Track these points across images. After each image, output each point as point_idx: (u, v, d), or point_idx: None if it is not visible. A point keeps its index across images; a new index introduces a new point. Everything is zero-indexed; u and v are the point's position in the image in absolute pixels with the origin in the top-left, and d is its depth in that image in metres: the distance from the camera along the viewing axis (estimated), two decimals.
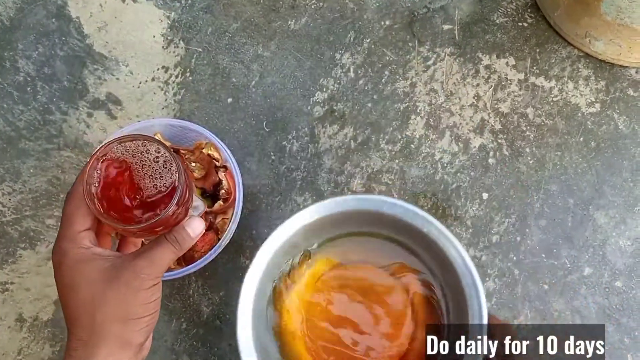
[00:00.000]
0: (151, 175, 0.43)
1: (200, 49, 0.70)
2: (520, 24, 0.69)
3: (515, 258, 0.64)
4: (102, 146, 0.42)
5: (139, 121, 0.65)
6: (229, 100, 0.68)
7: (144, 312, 0.42)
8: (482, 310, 0.46)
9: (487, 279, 0.63)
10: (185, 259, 0.60)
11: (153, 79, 0.69)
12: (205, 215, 0.60)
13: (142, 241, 0.54)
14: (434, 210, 0.65)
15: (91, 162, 0.41)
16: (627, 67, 0.67)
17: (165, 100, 0.68)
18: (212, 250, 0.58)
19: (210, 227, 0.60)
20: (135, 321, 0.41)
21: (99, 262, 0.42)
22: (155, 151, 0.43)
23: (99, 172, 0.42)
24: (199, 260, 0.57)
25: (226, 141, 0.67)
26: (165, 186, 0.42)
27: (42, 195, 0.67)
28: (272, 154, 0.67)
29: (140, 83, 0.69)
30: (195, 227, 0.44)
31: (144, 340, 0.43)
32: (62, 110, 0.68)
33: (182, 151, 0.62)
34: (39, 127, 0.68)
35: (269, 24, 0.70)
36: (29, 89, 0.69)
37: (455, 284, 0.48)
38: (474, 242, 0.64)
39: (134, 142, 0.43)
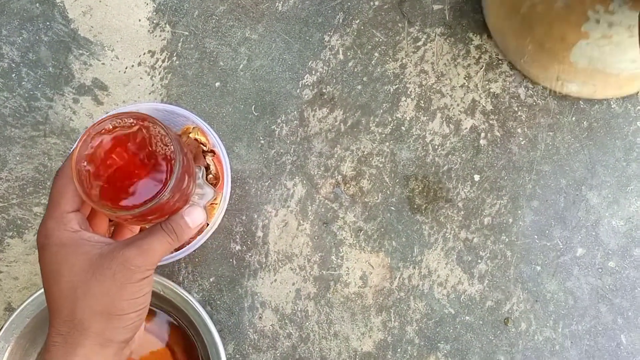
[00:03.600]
0: (148, 158, 0.39)
1: (186, 33, 0.68)
2: None
3: (507, 239, 0.63)
4: (96, 122, 0.38)
5: (125, 106, 0.64)
6: (217, 84, 0.67)
7: (130, 308, 0.38)
8: None
9: (479, 261, 0.63)
10: None
11: (139, 64, 0.68)
12: None
13: (141, 228, 0.51)
14: (425, 193, 0.64)
15: (84, 137, 0.38)
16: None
17: (152, 85, 0.67)
18: (201, 235, 0.57)
19: None
20: (119, 317, 0.38)
21: (86, 248, 0.38)
22: (154, 132, 0.39)
23: (91, 149, 0.38)
24: (187, 246, 0.57)
25: (214, 126, 0.66)
26: (161, 170, 0.38)
27: (28, 183, 0.66)
28: (261, 138, 0.66)
29: (126, 68, 0.68)
30: (195, 217, 0.41)
31: (130, 337, 0.39)
32: (47, 96, 0.67)
33: None
34: (25, 114, 0.67)
35: (256, 6, 0.69)
36: (13, 75, 0.68)
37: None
38: (466, 224, 0.64)
39: (132, 120, 0.39)
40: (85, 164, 0.38)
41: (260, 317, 0.63)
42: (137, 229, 0.47)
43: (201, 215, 0.41)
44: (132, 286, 0.38)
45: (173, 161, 0.38)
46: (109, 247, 0.38)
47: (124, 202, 0.38)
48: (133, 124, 0.38)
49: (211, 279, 0.64)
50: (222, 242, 0.64)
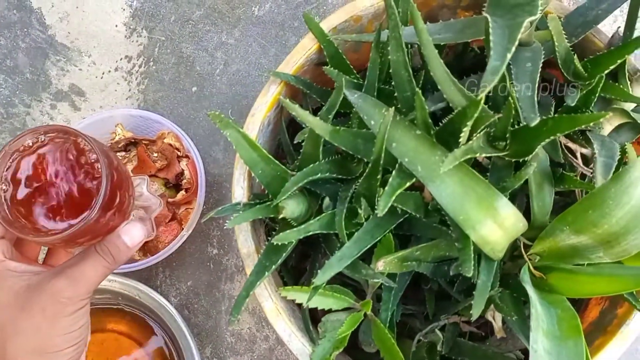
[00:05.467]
0: (73, 175, 0.35)
1: (163, 38, 0.69)
2: None
3: None
4: (14, 138, 0.35)
5: (100, 112, 0.65)
6: (194, 89, 0.68)
7: (65, 344, 0.34)
8: None
9: None
10: (150, 250, 0.60)
11: (116, 69, 0.68)
12: (168, 206, 0.59)
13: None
14: None
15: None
16: None
17: (129, 90, 0.68)
18: (175, 240, 0.57)
19: (173, 218, 0.60)
20: (53, 355, 0.34)
21: (11, 280, 0.34)
22: (79, 147, 0.35)
23: (7, 170, 0.34)
24: (162, 251, 0.57)
25: (191, 130, 0.66)
26: (88, 189, 0.35)
27: None
28: None
29: (103, 73, 0.68)
30: (134, 234, 0.37)
31: None
32: (25, 102, 0.68)
33: (143, 142, 0.61)
34: (2, 121, 0.67)
35: (232, 10, 0.69)
36: None
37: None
38: None
39: (54, 134, 0.35)
40: (2, 186, 0.34)
41: (237, 321, 0.64)
42: (74, 250, 0.41)
43: (140, 232, 0.37)
44: (65, 320, 0.34)
45: (100, 178, 0.34)
46: (38, 277, 0.35)
47: (48, 226, 0.35)
48: (55, 140, 0.35)
49: (189, 283, 0.64)
50: (200, 246, 0.65)
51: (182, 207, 0.60)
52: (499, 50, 0.28)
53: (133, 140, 0.62)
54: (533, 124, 0.32)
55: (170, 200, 0.59)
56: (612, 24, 0.65)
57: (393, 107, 0.35)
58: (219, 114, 0.36)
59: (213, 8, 0.69)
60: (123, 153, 0.62)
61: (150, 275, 0.64)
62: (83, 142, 0.35)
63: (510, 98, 0.34)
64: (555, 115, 0.36)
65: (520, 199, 0.41)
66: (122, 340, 0.60)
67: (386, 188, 0.34)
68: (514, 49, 0.28)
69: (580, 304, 0.45)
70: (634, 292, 0.38)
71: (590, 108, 0.39)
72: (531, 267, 0.37)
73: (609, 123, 0.41)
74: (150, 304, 0.58)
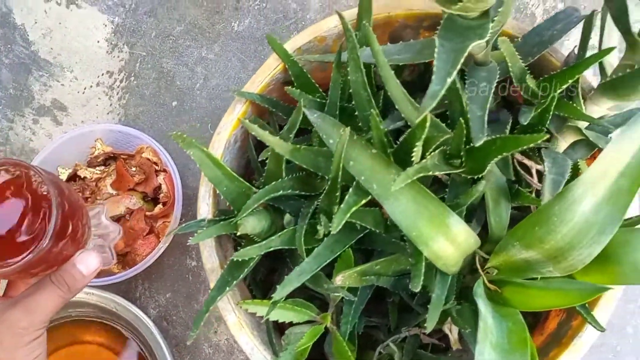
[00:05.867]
0: (24, 207, 0.35)
1: (144, 53, 0.70)
2: None
3: None
4: None
5: (81, 127, 0.66)
6: (174, 103, 0.69)
7: None
8: None
9: None
10: (128, 263, 0.61)
11: (98, 84, 0.69)
12: (146, 219, 0.60)
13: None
14: None
15: None
16: None
17: (110, 105, 0.69)
18: (152, 253, 0.58)
19: (151, 231, 0.61)
20: None
21: None
22: (30, 178, 0.35)
23: None
24: (139, 264, 0.58)
25: (171, 145, 0.67)
26: (39, 221, 0.35)
27: None
28: None
29: (85, 88, 0.69)
30: (89, 263, 0.37)
31: None
32: (8, 117, 0.69)
33: (122, 156, 0.62)
34: None
35: (212, 26, 0.71)
36: None
37: None
38: None
39: (4, 167, 0.35)
40: None
41: (215, 332, 0.65)
42: (32, 280, 0.40)
43: (95, 261, 0.37)
44: (22, 350, 0.35)
45: (50, 209, 0.34)
46: None
47: None
48: (5, 172, 0.35)
49: (167, 295, 0.65)
50: (179, 258, 0.66)
51: (160, 220, 0.61)
52: (441, 75, 0.29)
53: (112, 155, 0.63)
54: (478, 144, 0.33)
55: (148, 213, 0.60)
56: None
57: (349, 127, 0.36)
58: (180, 134, 0.38)
59: (193, 24, 0.71)
60: (102, 167, 0.63)
61: (129, 288, 0.65)
62: (33, 174, 0.35)
63: (461, 118, 0.36)
64: (504, 134, 0.37)
65: (480, 214, 0.42)
66: (100, 352, 0.61)
67: (342, 205, 0.35)
68: (455, 73, 0.29)
69: (540, 316, 0.46)
70: (587, 305, 0.39)
71: (547, 126, 0.41)
72: (486, 281, 0.38)
73: (564, 140, 0.42)
74: (127, 316, 0.59)
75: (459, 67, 0.30)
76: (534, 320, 0.46)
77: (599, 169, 0.32)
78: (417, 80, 0.47)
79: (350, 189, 0.37)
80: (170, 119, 0.69)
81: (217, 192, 0.41)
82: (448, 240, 0.36)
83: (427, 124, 0.32)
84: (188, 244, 0.40)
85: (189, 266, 0.66)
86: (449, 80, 0.29)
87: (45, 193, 0.35)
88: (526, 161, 0.41)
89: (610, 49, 0.36)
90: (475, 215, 0.42)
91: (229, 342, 0.64)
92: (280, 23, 0.71)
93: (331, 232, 0.35)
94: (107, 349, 0.62)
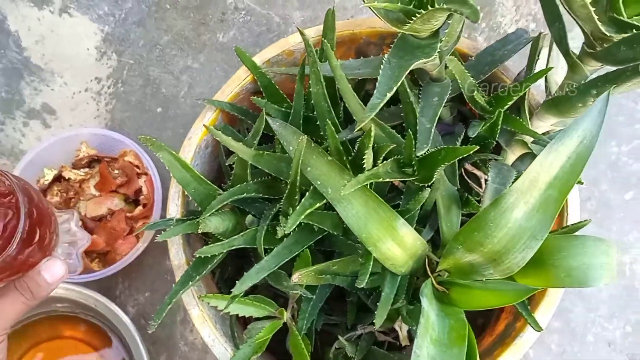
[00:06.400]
0: None
1: (132, 61, 0.73)
2: None
3: None
4: None
5: (67, 130, 0.68)
6: (159, 110, 0.72)
7: None
8: None
9: None
10: (108, 261, 0.63)
11: (86, 90, 0.72)
12: (126, 220, 0.63)
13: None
14: None
15: None
16: None
17: (98, 110, 0.72)
18: (130, 253, 0.61)
19: (131, 232, 0.64)
20: None
21: None
22: None
23: None
24: (118, 262, 0.61)
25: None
26: (5, 227, 0.34)
27: None
28: None
29: (74, 94, 0.72)
30: (55, 271, 0.37)
31: None
32: None
33: (105, 159, 0.65)
34: None
35: (198, 37, 0.74)
36: None
37: None
38: None
39: None
40: None
41: (191, 330, 0.67)
42: None
43: (61, 269, 0.37)
44: None
45: (18, 216, 0.34)
46: None
47: None
48: None
49: (146, 294, 0.68)
50: (158, 258, 0.68)
51: (140, 221, 0.64)
52: (382, 89, 0.32)
53: (96, 158, 0.66)
54: (420, 153, 0.36)
55: (128, 214, 0.63)
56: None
57: (306, 135, 0.39)
58: (149, 137, 0.40)
59: (180, 34, 0.74)
60: (87, 169, 0.66)
61: (110, 285, 0.68)
62: (4, 180, 0.35)
63: (409, 130, 0.38)
64: (454, 145, 0.40)
65: (433, 220, 0.45)
66: (79, 346, 0.64)
67: (297, 207, 0.38)
68: (395, 88, 0.32)
69: (490, 318, 0.49)
70: (526, 304, 0.41)
71: (496, 139, 0.44)
72: (434, 282, 0.41)
73: (513, 153, 0.45)
74: (106, 313, 0.61)
75: (400, 82, 0.33)
76: (485, 322, 0.49)
77: (529, 179, 0.34)
78: None
79: (307, 193, 0.39)
80: (155, 124, 0.71)
81: (186, 193, 0.44)
82: (396, 243, 0.39)
83: (372, 133, 0.35)
84: (155, 241, 0.42)
85: (167, 266, 0.68)
86: (389, 94, 0.32)
87: (13, 200, 0.34)
88: (476, 171, 0.43)
89: (547, 70, 0.39)
90: (429, 221, 0.45)
91: (204, 340, 0.67)
92: (263, 36, 0.74)
93: (289, 233, 0.38)
94: (86, 344, 0.64)
